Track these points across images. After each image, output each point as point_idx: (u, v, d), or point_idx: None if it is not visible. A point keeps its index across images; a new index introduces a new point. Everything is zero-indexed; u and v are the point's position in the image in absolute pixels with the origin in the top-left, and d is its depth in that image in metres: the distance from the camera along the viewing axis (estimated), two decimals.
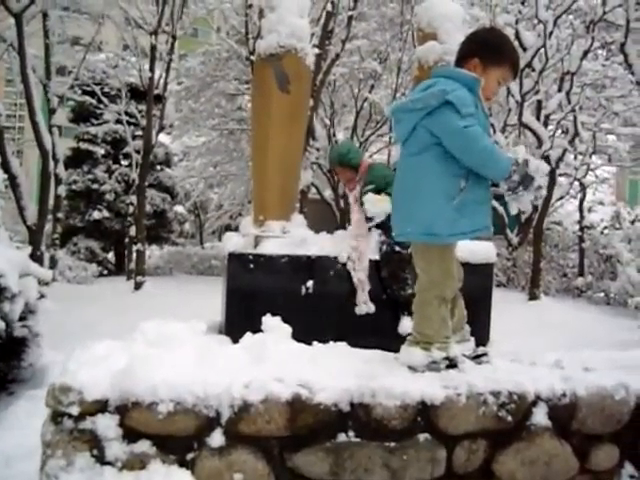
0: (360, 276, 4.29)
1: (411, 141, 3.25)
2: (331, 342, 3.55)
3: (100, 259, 18.35)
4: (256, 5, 11.16)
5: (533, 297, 12.28)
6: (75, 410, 2.73)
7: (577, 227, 15.14)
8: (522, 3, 11.82)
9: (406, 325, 4.11)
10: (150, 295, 12.45)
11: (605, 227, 14.85)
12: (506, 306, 9.81)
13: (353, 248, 4.26)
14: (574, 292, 13.94)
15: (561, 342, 7.45)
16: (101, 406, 2.75)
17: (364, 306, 4.37)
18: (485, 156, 3.06)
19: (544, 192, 3.23)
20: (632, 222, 14.46)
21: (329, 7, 11.32)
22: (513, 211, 3.23)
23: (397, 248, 4.22)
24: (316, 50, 11.59)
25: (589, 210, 15.46)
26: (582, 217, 14.59)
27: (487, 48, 3.27)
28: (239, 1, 14.34)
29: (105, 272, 18.06)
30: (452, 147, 3.08)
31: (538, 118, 11.96)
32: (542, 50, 10.90)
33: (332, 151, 5.43)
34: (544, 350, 4.55)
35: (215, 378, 2.85)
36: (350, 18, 12.58)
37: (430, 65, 5.62)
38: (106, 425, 2.73)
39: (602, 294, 13.21)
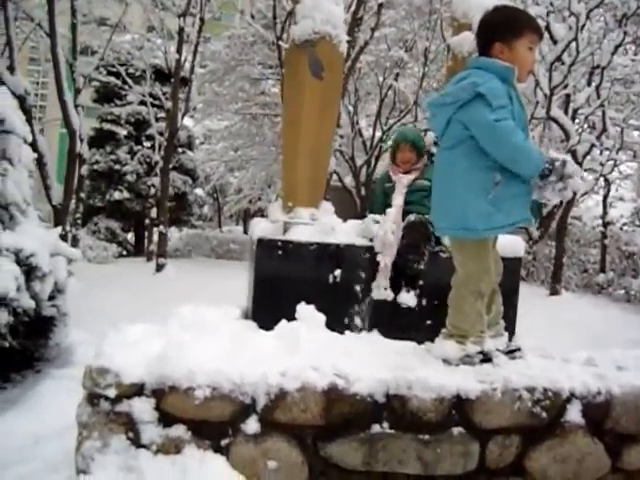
0: (387, 261, 4.25)
1: (446, 135, 3.24)
2: (363, 332, 3.55)
3: (120, 240, 18.44)
4: None
5: (554, 292, 12.22)
6: (112, 392, 2.74)
7: (596, 222, 15.03)
8: None
9: (404, 297, 4.10)
10: (171, 278, 12.49)
11: (625, 223, 14.74)
12: (527, 300, 9.70)
13: (390, 231, 4.21)
14: (594, 288, 13.85)
15: (584, 339, 7.42)
16: (138, 389, 2.77)
17: (383, 291, 4.32)
18: (515, 152, 3.03)
19: (578, 188, 3.22)
20: None
21: None
22: (551, 202, 3.25)
23: (424, 220, 4.15)
24: (347, 37, 11.53)
25: (610, 205, 15.35)
26: (605, 213, 14.48)
27: (501, 27, 3.23)
28: None
29: (125, 253, 18.15)
30: (482, 141, 3.06)
31: (566, 112, 11.86)
32: (572, 44, 10.79)
33: (407, 130, 5.31)
34: (567, 346, 4.53)
35: (251, 365, 2.86)
36: (380, 6, 12.50)
37: (464, 56, 5.55)
38: (142, 408, 2.75)
39: (623, 291, 13.12)
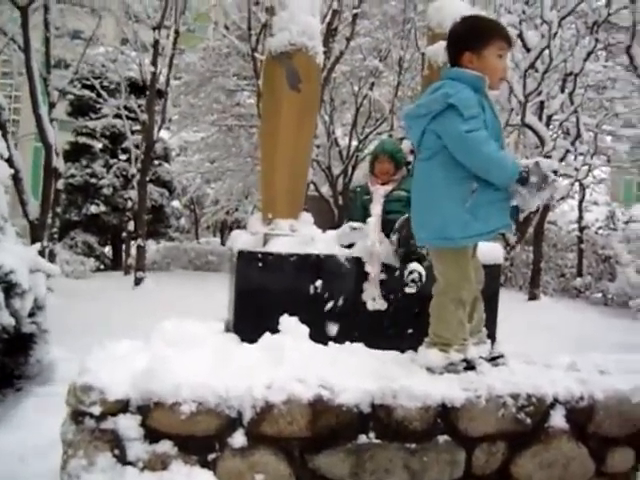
0: (376, 270, 4.26)
1: (422, 146, 3.27)
2: (347, 343, 3.56)
3: (97, 254, 18.32)
4: (262, 2, 11.15)
5: (533, 297, 12.32)
6: (97, 410, 2.72)
7: (572, 227, 15.17)
8: (526, 3, 11.83)
9: (413, 266, 4.11)
10: (150, 291, 12.44)
11: (600, 227, 14.89)
12: (506, 306, 9.74)
13: (377, 241, 4.22)
14: (572, 292, 13.98)
15: (565, 343, 7.48)
16: (123, 406, 2.75)
17: (376, 302, 4.33)
18: (487, 163, 3.05)
19: (559, 186, 3.26)
20: (626, 222, 14.50)
21: (335, 5, 11.32)
22: (533, 206, 3.27)
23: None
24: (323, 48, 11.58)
25: (585, 210, 15.51)
26: (581, 217, 14.63)
27: (469, 37, 3.26)
28: None
29: (102, 267, 18.03)
30: (455, 152, 3.09)
31: (540, 119, 11.98)
32: (545, 51, 10.92)
33: (386, 141, 5.31)
34: (548, 351, 4.57)
35: (236, 379, 2.85)
36: (355, 16, 12.58)
37: (439, 65, 5.60)
38: (128, 425, 2.73)
39: (600, 295, 13.25)
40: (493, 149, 3.05)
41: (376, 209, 4.43)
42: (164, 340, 3.15)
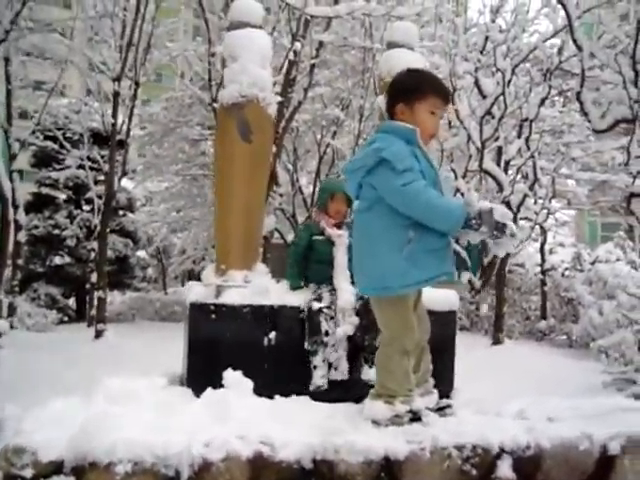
0: (348, 330, 4.12)
1: (360, 198, 3.31)
2: (294, 395, 3.51)
3: (61, 305, 18.03)
4: (219, 54, 11.25)
5: (497, 341, 12.33)
6: (29, 473, 2.65)
7: (538, 269, 15.27)
8: (481, 52, 12.08)
9: (369, 373, 4.03)
10: (111, 344, 12.22)
11: (566, 268, 15.01)
12: (470, 351, 9.81)
13: (350, 300, 4.11)
14: (537, 335, 14.02)
15: (525, 387, 7.44)
16: (56, 467, 2.68)
17: (340, 373, 4.16)
18: (428, 212, 3.05)
19: (520, 235, 3.23)
20: (592, 263, 14.63)
21: (291, 56, 11.46)
22: (501, 254, 3.26)
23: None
24: (278, 98, 11.69)
25: (550, 252, 15.62)
26: (543, 260, 14.75)
27: (403, 89, 3.32)
28: (202, 49, 14.44)
29: (66, 319, 17.73)
30: (396, 205, 3.11)
31: (498, 164, 12.14)
32: (501, 98, 11.12)
33: (341, 180, 5.13)
34: (509, 396, 4.54)
35: (175, 436, 2.79)
36: (312, 66, 12.73)
37: None
38: None
39: (565, 337, 13.30)
40: (433, 196, 3.06)
41: (342, 260, 4.29)
42: (106, 397, 3.09)
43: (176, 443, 2.74)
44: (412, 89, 3.28)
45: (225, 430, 2.86)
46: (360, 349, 4.08)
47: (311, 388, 3.90)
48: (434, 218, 3.07)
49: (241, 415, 3.03)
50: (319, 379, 3.94)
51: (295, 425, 3.04)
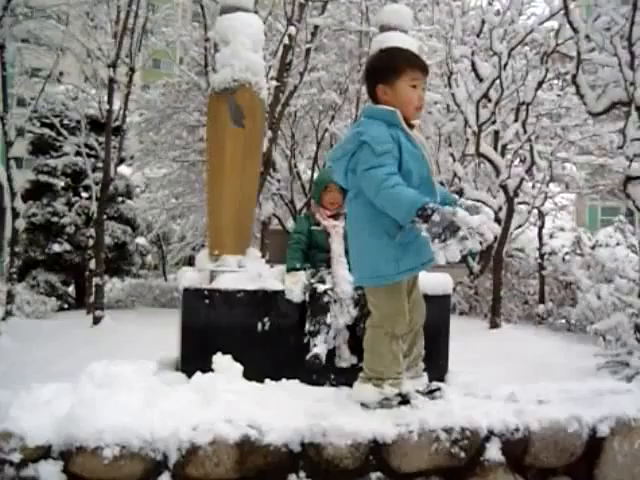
0: (347, 320, 4.11)
1: (349, 186, 3.27)
2: (284, 380, 3.51)
3: (60, 293, 18.05)
4: (212, 38, 11.21)
5: (494, 325, 12.35)
6: (17, 457, 2.65)
7: (538, 254, 15.27)
8: (477, 35, 12.03)
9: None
10: (109, 330, 12.24)
11: (567, 253, 15.00)
12: (467, 335, 9.83)
13: (347, 292, 4.09)
14: (535, 319, 14.04)
15: (521, 371, 7.47)
16: (44, 452, 2.68)
17: (346, 358, 4.16)
18: (382, 200, 2.99)
19: (472, 245, 3.02)
20: (592, 247, 14.62)
21: (286, 40, 11.41)
22: (441, 261, 2.94)
23: None
24: (274, 83, 11.67)
25: (550, 236, 15.60)
26: (541, 244, 14.75)
27: (379, 70, 3.29)
28: (198, 34, 14.40)
29: (65, 306, 17.77)
30: (364, 189, 3.09)
31: (495, 148, 12.13)
32: (498, 81, 11.09)
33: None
34: (504, 380, 4.55)
35: (163, 420, 2.80)
36: (308, 50, 12.70)
37: None
38: (49, 471, 2.67)
39: (563, 321, 13.31)
40: (389, 185, 2.95)
41: (338, 249, 4.26)
42: (93, 382, 3.09)
43: (164, 427, 2.74)
44: (388, 67, 3.24)
45: (213, 414, 2.86)
46: (360, 338, 4.07)
47: (307, 357, 3.89)
48: (386, 206, 3.00)
49: (229, 399, 3.02)
50: (317, 349, 3.92)
51: (283, 409, 3.04)
